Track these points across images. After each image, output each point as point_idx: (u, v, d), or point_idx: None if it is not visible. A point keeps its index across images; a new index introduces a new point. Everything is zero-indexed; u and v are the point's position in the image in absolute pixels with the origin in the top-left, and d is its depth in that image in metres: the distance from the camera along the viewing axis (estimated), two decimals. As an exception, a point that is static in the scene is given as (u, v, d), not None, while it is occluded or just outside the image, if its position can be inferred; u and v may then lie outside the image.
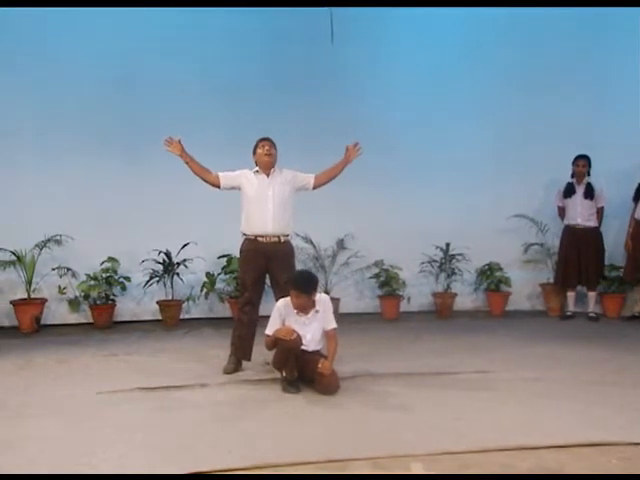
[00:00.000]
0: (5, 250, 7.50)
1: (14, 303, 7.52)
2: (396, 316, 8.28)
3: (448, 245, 8.47)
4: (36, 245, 7.61)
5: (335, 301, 7.28)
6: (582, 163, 7.92)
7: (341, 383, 5.03)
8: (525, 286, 8.61)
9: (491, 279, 8.45)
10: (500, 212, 8.30)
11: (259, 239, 5.56)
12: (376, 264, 8.42)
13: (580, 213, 7.92)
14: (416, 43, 8.42)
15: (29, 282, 7.59)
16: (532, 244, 8.53)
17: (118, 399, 4.81)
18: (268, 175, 5.61)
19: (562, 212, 8.17)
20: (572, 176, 8.01)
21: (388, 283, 8.24)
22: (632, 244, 7.85)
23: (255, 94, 8.00)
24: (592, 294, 8.04)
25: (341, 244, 8.37)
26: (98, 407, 4.61)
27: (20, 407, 4.31)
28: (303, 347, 5.06)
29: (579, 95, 8.28)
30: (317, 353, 5.18)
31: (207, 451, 3.83)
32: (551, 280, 8.42)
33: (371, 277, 8.46)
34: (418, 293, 8.65)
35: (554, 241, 8.34)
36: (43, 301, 7.65)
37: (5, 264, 7.53)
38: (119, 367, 5.74)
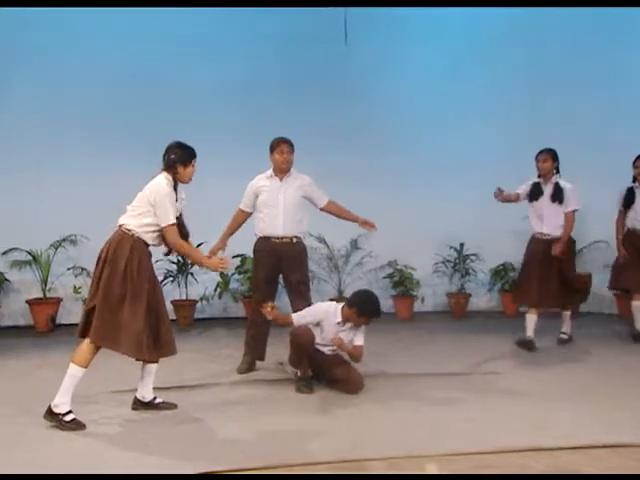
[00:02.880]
0: (21, 250, 7.55)
1: (30, 302, 7.57)
2: (410, 316, 8.26)
3: (462, 245, 8.44)
4: (51, 245, 7.66)
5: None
6: (542, 157, 6.49)
7: (355, 383, 5.04)
8: (540, 287, 8.54)
9: (505, 279, 8.41)
10: (515, 212, 8.23)
11: (271, 239, 5.57)
12: (390, 264, 8.41)
13: (547, 219, 6.48)
14: (429, 43, 8.39)
15: (44, 282, 7.65)
16: (547, 244, 8.46)
17: (132, 399, 4.82)
18: (281, 179, 5.61)
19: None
20: (539, 175, 6.62)
21: (402, 283, 8.23)
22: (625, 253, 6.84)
23: (270, 95, 8.00)
24: (566, 313, 6.79)
25: (355, 244, 8.36)
26: (113, 406, 4.64)
27: (36, 406, 4.33)
28: (328, 351, 5.06)
29: (594, 94, 8.21)
30: (336, 354, 5.18)
31: (221, 451, 3.84)
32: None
33: (385, 277, 8.45)
34: (432, 293, 8.63)
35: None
36: (58, 301, 7.70)
37: (21, 264, 7.58)
38: (133, 366, 5.74)
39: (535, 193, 6.55)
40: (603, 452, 3.76)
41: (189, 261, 7.84)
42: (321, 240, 8.13)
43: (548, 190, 6.47)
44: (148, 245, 4.42)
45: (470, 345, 6.62)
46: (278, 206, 5.55)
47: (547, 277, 6.38)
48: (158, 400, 4.65)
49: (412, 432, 4.13)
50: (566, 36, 8.27)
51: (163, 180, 4.48)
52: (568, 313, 6.79)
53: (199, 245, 7.83)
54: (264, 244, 5.61)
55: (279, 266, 5.61)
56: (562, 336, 6.75)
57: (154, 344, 4.38)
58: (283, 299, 6.06)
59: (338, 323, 5.06)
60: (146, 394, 4.63)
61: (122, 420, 4.39)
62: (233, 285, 8.06)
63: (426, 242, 8.25)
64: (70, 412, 4.19)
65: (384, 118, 8.18)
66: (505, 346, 6.56)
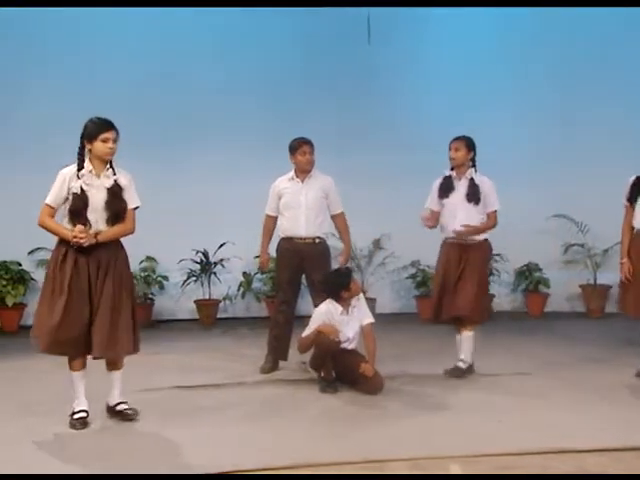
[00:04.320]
0: (47, 249, 7.60)
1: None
2: (433, 317, 8.21)
3: (486, 245, 8.37)
4: (77, 244, 7.72)
5: (371, 301, 7.27)
6: (454, 145, 5.49)
7: (379, 383, 5.03)
8: (565, 287, 8.46)
9: (530, 280, 8.35)
10: (539, 212, 8.18)
11: (294, 240, 5.59)
12: (412, 264, 8.37)
13: (461, 221, 5.43)
14: (453, 43, 8.32)
15: (69, 281, 7.71)
16: (572, 244, 8.40)
17: (157, 397, 4.86)
18: (303, 180, 5.62)
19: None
20: (452, 167, 5.61)
21: (425, 283, 8.18)
22: (632, 262, 5.41)
23: (292, 95, 8.00)
24: (467, 335, 5.52)
25: (377, 244, 8.34)
26: (138, 405, 4.66)
27: (62, 404, 4.38)
28: (343, 345, 5.08)
29: (618, 93, 8.13)
30: (356, 353, 5.19)
31: (244, 450, 3.85)
32: (591, 281, 8.29)
33: (407, 277, 8.41)
34: (455, 294, 8.57)
35: (595, 242, 8.18)
36: (83, 300, 7.75)
37: (46, 263, 7.63)
38: (157, 365, 5.80)
39: (446, 188, 5.53)
40: (628, 455, 3.72)
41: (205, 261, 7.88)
42: (343, 240, 8.12)
43: (462, 187, 5.48)
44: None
45: (495, 346, 6.55)
46: (300, 207, 5.56)
47: (460, 287, 5.43)
48: (120, 407, 4.41)
49: (436, 433, 4.11)
50: (596, 36, 8.16)
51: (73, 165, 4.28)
52: (470, 335, 5.49)
53: (221, 246, 7.90)
54: (287, 245, 5.63)
55: (302, 266, 5.62)
56: (460, 364, 5.50)
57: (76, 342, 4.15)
58: (306, 299, 6.07)
59: (342, 313, 5.12)
60: (110, 399, 4.45)
61: (147, 419, 4.41)
62: (256, 285, 8.08)
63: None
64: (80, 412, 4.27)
65: (407, 118, 8.14)
66: (530, 347, 6.52)
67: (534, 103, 8.21)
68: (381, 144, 7.99)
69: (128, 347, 4.27)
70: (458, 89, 8.27)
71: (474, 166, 5.55)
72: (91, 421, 4.31)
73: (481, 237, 5.49)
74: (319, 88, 8.07)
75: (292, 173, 5.66)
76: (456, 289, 5.41)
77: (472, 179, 5.48)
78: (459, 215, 5.42)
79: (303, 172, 5.61)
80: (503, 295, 8.58)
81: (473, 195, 5.43)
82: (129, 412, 4.38)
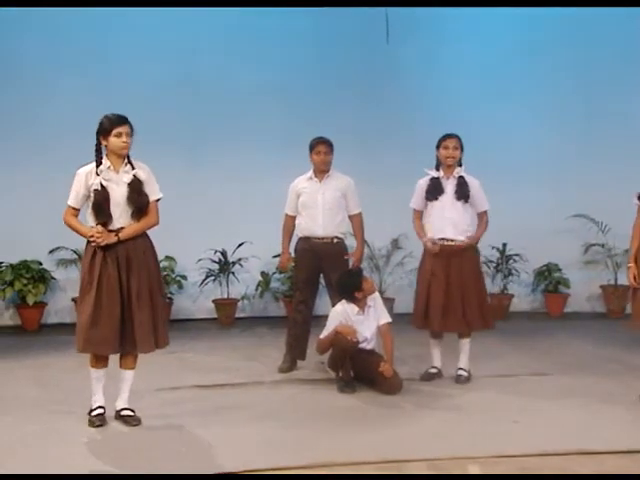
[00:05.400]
0: (67, 249, 7.68)
1: (75, 301, 7.70)
2: (451, 317, 8.18)
3: (505, 245, 8.34)
4: (96, 244, 7.77)
5: (390, 301, 7.26)
6: (453, 144, 5.27)
7: (397, 383, 5.02)
8: (585, 287, 8.41)
9: (549, 280, 8.30)
10: (559, 212, 8.12)
11: (312, 239, 5.60)
12: (431, 264, 8.33)
13: (451, 221, 5.25)
14: (471, 42, 8.27)
15: (90, 280, 7.76)
16: (592, 244, 8.33)
17: (176, 396, 4.89)
18: (321, 180, 5.62)
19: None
20: (437, 167, 5.42)
21: (443, 283, 8.15)
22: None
23: (311, 95, 8.00)
24: (465, 341, 5.39)
25: (396, 244, 8.32)
26: (156, 404, 4.69)
27: (83, 403, 4.42)
28: (360, 346, 5.08)
29: (640, 92, 8.08)
30: (374, 353, 5.19)
31: (262, 449, 3.86)
32: (612, 281, 8.22)
33: (426, 277, 8.37)
34: (473, 294, 8.53)
35: (615, 242, 8.09)
36: (103, 299, 7.81)
37: (67, 262, 7.72)
38: (177, 364, 5.83)
39: (434, 191, 5.29)
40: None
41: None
42: (362, 240, 8.11)
43: (450, 186, 5.27)
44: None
45: (513, 346, 6.54)
46: (318, 207, 5.57)
47: (451, 295, 5.22)
48: (124, 412, 4.36)
49: (454, 433, 4.10)
50: (618, 35, 8.11)
51: (90, 163, 4.31)
52: (467, 342, 5.37)
53: (239, 246, 7.92)
54: (305, 244, 5.64)
55: (320, 266, 5.63)
56: (460, 372, 5.37)
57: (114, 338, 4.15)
58: (324, 299, 6.07)
59: (358, 313, 5.12)
60: (117, 402, 4.40)
61: (167, 418, 4.44)
62: (274, 284, 8.09)
63: (468, 242, 8.16)
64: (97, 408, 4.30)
65: (426, 117, 8.09)
66: (550, 347, 6.48)
67: (554, 102, 8.15)
68: (400, 143, 7.97)
69: (165, 340, 4.34)
70: (477, 88, 8.24)
71: (461, 165, 5.38)
72: (110, 420, 4.33)
73: (465, 240, 5.26)
74: (338, 88, 8.06)
75: (311, 173, 5.67)
76: (451, 301, 5.19)
77: (461, 177, 5.28)
78: (448, 214, 5.23)
79: (321, 172, 5.61)
80: (523, 295, 8.53)
81: (462, 193, 5.23)
82: (132, 421, 4.30)
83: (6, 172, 7.52)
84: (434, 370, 5.41)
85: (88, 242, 4.27)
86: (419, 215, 5.42)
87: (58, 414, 4.47)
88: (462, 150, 5.33)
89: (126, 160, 4.31)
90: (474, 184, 5.32)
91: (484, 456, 3.70)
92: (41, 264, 7.59)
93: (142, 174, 4.33)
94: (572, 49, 8.16)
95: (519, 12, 8.04)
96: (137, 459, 3.74)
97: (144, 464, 3.65)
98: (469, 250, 5.30)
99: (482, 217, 5.35)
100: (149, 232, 4.43)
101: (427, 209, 5.35)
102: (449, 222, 5.22)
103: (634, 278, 4.88)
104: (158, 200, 4.40)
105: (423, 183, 5.39)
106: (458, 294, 5.20)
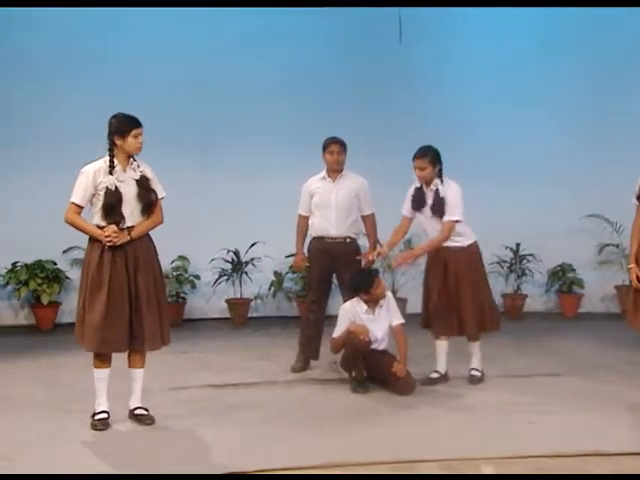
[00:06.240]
0: (80, 248, 7.69)
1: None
2: (464, 317, 8.15)
3: (518, 245, 8.30)
4: (109, 244, 7.80)
5: (402, 301, 7.24)
6: (418, 164, 5.19)
7: (409, 384, 5.01)
8: (599, 288, 8.36)
9: (563, 280, 8.26)
10: (573, 212, 8.08)
11: (325, 239, 5.60)
12: (444, 264, 8.31)
13: (431, 234, 5.27)
14: (484, 43, 8.25)
15: (103, 280, 7.79)
16: (607, 245, 8.28)
17: (188, 396, 4.90)
18: (334, 180, 5.62)
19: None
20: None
21: (456, 283, 8.13)
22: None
23: (324, 95, 8.00)
24: (474, 344, 5.37)
25: (408, 244, 8.29)
26: (169, 403, 4.70)
27: (92, 403, 4.44)
28: (372, 346, 5.07)
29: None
30: (387, 353, 5.18)
31: (275, 449, 3.86)
32: (626, 282, 8.14)
33: (439, 277, 8.35)
34: (487, 294, 8.50)
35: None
36: (117, 298, 7.84)
37: (80, 262, 7.71)
38: (190, 364, 5.85)
39: (418, 201, 5.24)
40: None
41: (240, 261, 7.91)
42: (374, 240, 8.10)
43: (429, 199, 5.18)
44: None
45: (527, 347, 6.51)
46: (330, 207, 5.57)
47: (448, 300, 5.18)
48: (138, 412, 4.37)
49: (467, 433, 4.09)
50: (630, 35, 8.07)
51: (95, 162, 4.28)
52: (476, 344, 5.34)
53: (252, 246, 7.93)
54: (318, 244, 5.64)
55: (333, 266, 5.62)
56: (473, 372, 5.35)
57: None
58: (337, 299, 6.06)
59: (366, 312, 5.10)
60: (131, 401, 4.42)
61: (180, 417, 4.45)
62: (287, 284, 8.09)
63: (481, 242, 8.08)
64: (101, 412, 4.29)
65: (440, 117, 8.09)
66: (563, 348, 6.45)
67: (567, 102, 8.12)
68: (412, 144, 7.91)
69: (169, 338, 4.40)
70: (490, 88, 8.21)
71: (440, 176, 5.19)
72: (122, 419, 4.35)
73: (464, 243, 5.21)
74: (351, 88, 8.05)
75: (324, 173, 5.66)
76: (453, 305, 5.15)
77: (437, 190, 5.13)
78: (427, 229, 5.28)
79: (334, 172, 5.61)
80: (536, 295, 8.50)
81: (437, 209, 5.11)
82: (146, 420, 4.32)
83: (21, 174, 7.57)
84: (436, 375, 5.31)
85: (92, 241, 4.25)
86: (405, 222, 5.39)
87: (73, 413, 4.49)
88: (437, 165, 5.18)
89: (132, 159, 4.33)
90: (450, 194, 5.12)
91: (497, 457, 3.69)
92: (55, 264, 7.64)
93: (148, 172, 4.38)
94: (586, 49, 8.12)
95: (531, 12, 8.03)
96: (149, 459, 3.75)
97: (156, 463, 3.66)
98: (466, 256, 5.22)
99: (442, 227, 5.12)
100: (155, 232, 4.45)
101: (417, 217, 5.35)
102: (429, 238, 5.28)
103: (637, 279, 4.76)
104: (162, 199, 4.44)
105: (410, 192, 5.35)
106: (454, 299, 5.15)
